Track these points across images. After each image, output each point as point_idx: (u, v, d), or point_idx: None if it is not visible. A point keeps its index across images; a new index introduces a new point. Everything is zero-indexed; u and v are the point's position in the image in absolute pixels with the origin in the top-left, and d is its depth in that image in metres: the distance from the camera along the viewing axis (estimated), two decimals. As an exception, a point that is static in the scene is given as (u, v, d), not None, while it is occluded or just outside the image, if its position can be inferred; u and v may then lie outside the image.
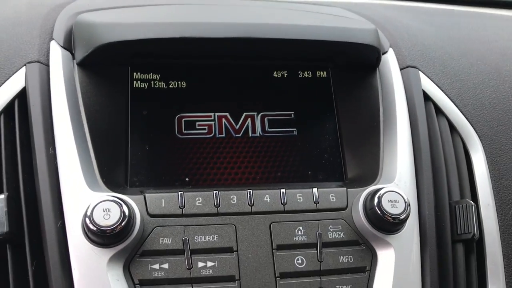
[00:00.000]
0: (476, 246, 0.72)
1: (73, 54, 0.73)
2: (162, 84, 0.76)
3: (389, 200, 0.62)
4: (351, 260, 0.63)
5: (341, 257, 0.63)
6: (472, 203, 0.71)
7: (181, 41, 0.65)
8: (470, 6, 1.40)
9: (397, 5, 1.32)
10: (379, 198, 0.62)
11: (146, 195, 0.62)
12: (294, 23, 0.70)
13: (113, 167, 0.68)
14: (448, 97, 0.82)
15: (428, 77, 0.84)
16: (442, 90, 0.83)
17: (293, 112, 0.79)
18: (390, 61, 0.82)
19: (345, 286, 0.61)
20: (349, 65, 0.81)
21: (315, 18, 0.76)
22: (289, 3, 1.03)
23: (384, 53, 0.82)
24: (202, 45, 0.68)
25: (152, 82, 0.76)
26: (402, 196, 0.63)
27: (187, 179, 0.73)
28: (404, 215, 0.62)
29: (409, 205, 0.63)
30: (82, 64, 0.72)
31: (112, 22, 0.67)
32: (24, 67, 0.70)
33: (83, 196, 0.60)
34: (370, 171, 0.72)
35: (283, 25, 0.69)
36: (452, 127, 0.80)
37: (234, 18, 0.71)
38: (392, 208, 0.62)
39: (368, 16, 0.99)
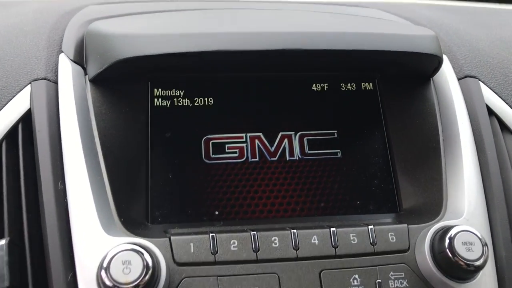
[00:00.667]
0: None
1: (85, 69, 0.63)
2: (186, 102, 0.66)
3: (463, 242, 0.52)
4: (418, 314, 0.52)
5: (406, 311, 0.52)
6: (554, 239, 0.60)
7: (212, 54, 0.55)
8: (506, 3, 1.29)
9: (435, 4, 1.21)
10: (451, 240, 0.52)
11: (172, 238, 0.52)
12: (341, 31, 0.59)
13: (132, 202, 0.59)
14: (512, 109, 0.71)
15: (489, 87, 0.73)
16: (507, 103, 0.72)
17: (336, 131, 0.69)
18: (446, 71, 0.71)
19: None
20: (399, 76, 0.70)
21: (362, 24, 0.65)
22: (320, 5, 0.93)
23: (440, 61, 0.71)
24: (234, 58, 0.58)
25: (176, 99, 0.66)
26: (479, 237, 0.52)
27: (216, 212, 0.63)
28: (481, 261, 0.51)
29: (487, 247, 0.52)
30: (95, 81, 0.62)
31: (131, 33, 0.57)
32: (29, 85, 0.61)
33: (98, 242, 0.50)
34: (431, 202, 0.61)
35: (329, 34, 0.58)
36: (520, 146, 0.69)
37: (269, 27, 0.61)
38: (468, 252, 0.51)
39: (411, 18, 0.88)
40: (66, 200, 0.53)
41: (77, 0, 0.84)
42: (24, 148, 0.57)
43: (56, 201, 0.53)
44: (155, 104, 0.65)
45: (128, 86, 0.63)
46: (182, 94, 0.66)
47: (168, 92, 0.66)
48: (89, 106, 0.60)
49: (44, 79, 0.61)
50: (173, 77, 0.66)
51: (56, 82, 0.61)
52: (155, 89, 0.66)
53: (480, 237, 0.52)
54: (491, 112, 0.71)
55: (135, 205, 0.59)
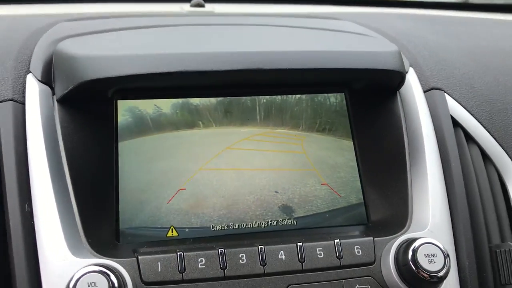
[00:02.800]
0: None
1: (53, 89, 0.63)
2: (154, 117, 0.67)
3: (425, 255, 0.53)
4: (384, 326, 0.53)
5: (372, 323, 0.53)
6: (516, 247, 0.62)
7: (177, 75, 0.55)
8: (484, 12, 1.32)
9: (406, 14, 1.24)
10: (414, 252, 0.53)
11: (140, 257, 0.53)
12: (307, 50, 0.60)
13: (101, 220, 0.59)
14: (479, 122, 0.73)
15: (455, 99, 0.74)
16: (472, 114, 0.74)
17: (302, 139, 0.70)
18: (412, 83, 0.73)
19: None
20: (366, 89, 0.71)
21: (329, 40, 0.67)
22: (292, 17, 0.94)
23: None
24: (202, 78, 0.59)
25: (143, 118, 0.66)
26: (441, 249, 0.54)
27: (187, 229, 0.64)
28: (443, 272, 0.53)
29: (449, 258, 0.53)
30: (63, 101, 0.62)
31: (95, 55, 0.58)
32: (-4, 106, 0.61)
33: (64, 264, 0.50)
34: (398, 214, 0.63)
35: (295, 53, 0.59)
36: (485, 156, 0.71)
37: (236, 45, 0.62)
38: (430, 264, 0.53)
39: (380, 30, 0.90)
40: (33, 222, 0.53)
41: (48, 17, 0.84)
42: None
43: (23, 223, 0.53)
44: (122, 122, 0.65)
45: (95, 106, 0.63)
46: (150, 112, 0.67)
47: (135, 110, 0.66)
48: (56, 126, 0.60)
49: (11, 100, 0.61)
50: (140, 96, 0.66)
51: (23, 103, 0.61)
52: (123, 108, 0.66)
53: (442, 248, 0.54)
54: (456, 123, 0.72)
55: (104, 225, 0.59)
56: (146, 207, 0.63)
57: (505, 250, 0.62)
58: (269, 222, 0.65)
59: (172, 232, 0.63)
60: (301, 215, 0.66)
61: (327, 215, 0.67)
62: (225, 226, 0.63)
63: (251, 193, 0.66)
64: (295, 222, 0.66)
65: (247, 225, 0.64)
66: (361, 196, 0.68)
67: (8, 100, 0.61)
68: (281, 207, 0.66)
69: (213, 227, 0.63)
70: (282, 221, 0.65)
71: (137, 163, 0.65)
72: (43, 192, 0.54)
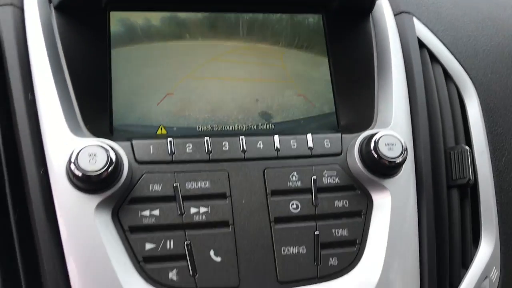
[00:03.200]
0: (470, 192, 0.71)
1: None
2: (146, 26, 0.72)
3: (386, 144, 0.61)
4: (346, 204, 0.61)
5: (336, 201, 0.61)
6: (467, 148, 0.70)
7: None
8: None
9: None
10: (376, 142, 0.61)
11: (134, 141, 0.59)
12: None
13: (97, 115, 0.65)
14: (443, 44, 0.80)
15: (422, 23, 0.81)
16: (437, 37, 0.81)
17: (282, 61, 0.76)
18: (383, 7, 0.79)
19: (340, 229, 0.60)
20: (342, 11, 0.77)
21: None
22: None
23: (377, -2, 0.79)
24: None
25: (134, 26, 0.72)
26: (399, 140, 0.61)
27: (175, 128, 0.70)
28: (401, 158, 0.60)
29: (406, 148, 0.61)
30: (59, 8, 0.67)
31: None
32: (-4, 10, 0.65)
33: (66, 142, 0.57)
34: (364, 118, 0.70)
35: None
36: (447, 75, 0.79)
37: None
38: (389, 151, 0.60)
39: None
40: (36, 108, 0.59)
41: None
42: None
43: (27, 109, 0.58)
44: (113, 30, 0.70)
45: (90, 15, 0.68)
46: (140, 23, 0.72)
47: (127, 17, 0.71)
48: (54, 31, 0.65)
49: (11, 4, 0.66)
50: (131, 8, 0.71)
51: (22, 8, 0.66)
52: (115, 19, 0.71)
53: (400, 139, 0.61)
54: (422, 44, 0.79)
55: (100, 119, 0.65)
56: (137, 107, 0.69)
57: (458, 150, 0.70)
58: (250, 126, 0.71)
59: (161, 130, 0.69)
60: (278, 121, 0.73)
61: (302, 122, 0.74)
62: (210, 127, 0.70)
63: (233, 100, 0.73)
64: (272, 127, 0.72)
65: (229, 128, 0.70)
66: (333, 106, 0.75)
67: (8, 5, 0.66)
68: (260, 114, 0.73)
69: (198, 127, 0.70)
70: (261, 125, 0.72)
71: (128, 69, 0.70)
72: (44, 83, 0.60)
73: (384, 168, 0.61)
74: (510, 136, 0.77)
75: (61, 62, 0.64)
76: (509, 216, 0.72)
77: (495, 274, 0.68)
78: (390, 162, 0.60)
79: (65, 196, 0.54)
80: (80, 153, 0.53)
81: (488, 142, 0.75)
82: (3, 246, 0.55)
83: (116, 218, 0.56)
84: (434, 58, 0.79)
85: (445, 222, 0.66)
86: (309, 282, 0.57)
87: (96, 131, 0.61)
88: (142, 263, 0.54)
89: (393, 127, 0.65)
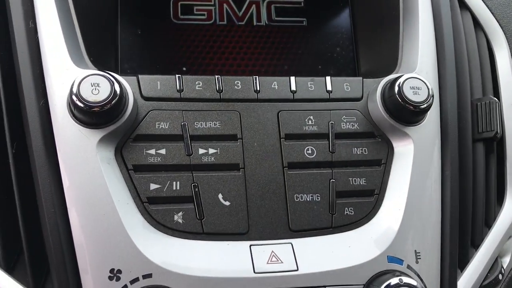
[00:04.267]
0: (496, 148, 0.67)
1: None
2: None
3: (411, 87, 0.56)
4: (365, 152, 0.57)
5: (355, 149, 0.57)
6: (496, 99, 0.65)
7: None
8: None
9: None
10: (400, 85, 0.56)
11: (140, 76, 0.55)
12: None
13: (102, 50, 0.61)
14: (474, -10, 0.74)
15: (452, -34, 0.75)
16: (468, -15, 0.74)
17: (303, 0, 0.71)
18: None
19: (358, 178, 0.56)
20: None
21: None
22: None
23: None
24: None
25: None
26: (425, 83, 0.56)
27: (184, 68, 0.66)
28: (426, 104, 0.56)
29: (433, 94, 0.56)
30: None
31: None
32: None
33: (68, 72, 0.52)
34: (387, 62, 0.65)
35: None
36: (477, 23, 0.73)
37: None
38: (415, 95, 0.56)
39: None
40: (37, 37, 0.55)
41: None
42: None
43: (27, 36, 0.54)
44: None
45: None
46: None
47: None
48: None
49: None
50: None
51: None
52: None
53: (427, 82, 0.56)
54: (453, -8, 0.73)
55: (105, 54, 0.61)
56: (146, 44, 0.65)
57: (485, 102, 0.65)
58: (265, 69, 0.67)
59: (170, 70, 0.65)
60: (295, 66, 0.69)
61: (320, 67, 0.69)
62: (223, 71, 0.65)
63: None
64: (289, 72, 0.68)
65: (244, 71, 0.66)
66: (353, 51, 0.70)
67: None
68: (277, 58, 0.69)
69: (212, 70, 0.65)
70: (277, 69, 0.68)
71: (138, 3, 0.66)
72: (46, 11, 0.55)
73: (408, 114, 0.57)
74: (541, 90, 0.72)
75: None
76: (536, 174, 0.68)
77: (519, 233, 0.64)
78: (415, 107, 0.56)
79: (65, 129, 0.51)
80: (82, 82, 0.49)
81: (518, 95, 0.70)
82: (0, 183, 0.52)
83: (120, 156, 0.52)
84: (463, 4, 0.74)
85: (469, 177, 0.62)
86: (323, 232, 0.54)
87: (101, 64, 0.57)
88: (146, 204, 0.51)
89: (418, 72, 0.61)
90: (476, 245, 0.61)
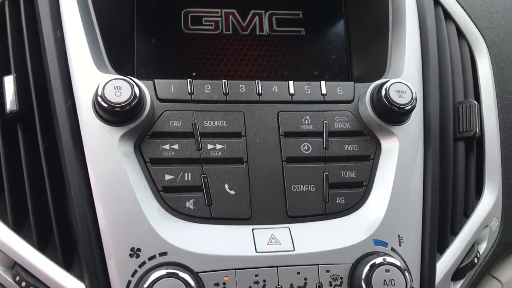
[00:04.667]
0: (476, 147, 0.74)
1: None
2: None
3: (396, 91, 0.63)
4: (355, 149, 0.64)
5: (346, 145, 0.64)
6: (476, 102, 0.72)
7: None
8: None
9: None
10: (387, 89, 0.63)
11: (156, 80, 0.62)
12: None
13: (121, 57, 0.68)
14: (458, 3, 0.81)
15: (437, -19, 0.82)
16: (452, -5, 0.81)
17: (301, 12, 0.78)
18: (400, -37, 0.80)
19: (349, 171, 0.63)
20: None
21: None
22: None
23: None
24: None
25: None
26: (409, 87, 0.63)
27: (194, 73, 0.73)
28: (410, 106, 0.63)
29: (416, 97, 0.63)
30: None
31: None
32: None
33: (93, 77, 0.60)
34: (377, 70, 0.72)
35: None
36: (460, 33, 0.80)
37: None
38: (399, 98, 0.63)
39: None
40: (64, 45, 0.62)
41: None
42: (25, 6, 0.65)
43: (56, 45, 0.62)
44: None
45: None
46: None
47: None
48: None
49: None
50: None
51: None
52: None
53: (410, 86, 0.63)
54: (437, 2, 0.80)
55: (123, 61, 0.68)
56: (159, 52, 0.72)
57: (466, 105, 0.72)
58: (266, 75, 0.74)
59: (181, 75, 0.72)
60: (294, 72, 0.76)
61: (316, 73, 0.76)
62: (229, 76, 0.73)
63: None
64: (288, 77, 0.75)
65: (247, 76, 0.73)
66: (347, 59, 0.77)
67: None
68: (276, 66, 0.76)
69: (218, 75, 0.72)
70: (278, 75, 0.75)
71: (152, 15, 0.73)
72: (72, 22, 0.63)
73: (394, 115, 0.64)
74: (519, 94, 0.79)
75: (88, 5, 0.66)
76: (513, 170, 0.75)
77: (495, 223, 0.71)
78: (400, 108, 0.63)
79: (90, 126, 0.58)
80: (106, 85, 0.56)
81: (497, 99, 0.77)
82: (33, 175, 0.59)
83: (138, 150, 0.59)
84: (448, 16, 0.81)
85: (449, 172, 0.69)
86: (317, 219, 0.61)
87: (120, 71, 0.64)
88: (162, 192, 0.58)
89: (404, 78, 0.68)
90: (455, 233, 0.68)
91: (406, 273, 0.56)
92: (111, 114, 0.57)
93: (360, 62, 0.76)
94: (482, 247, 0.69)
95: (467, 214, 0.70)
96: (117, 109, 0.56)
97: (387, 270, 0.55)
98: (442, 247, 0.66)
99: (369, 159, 0.64)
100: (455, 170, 0.70)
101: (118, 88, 0.57)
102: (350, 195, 0.62)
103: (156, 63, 0.72)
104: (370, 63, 0.75)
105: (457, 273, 0.65)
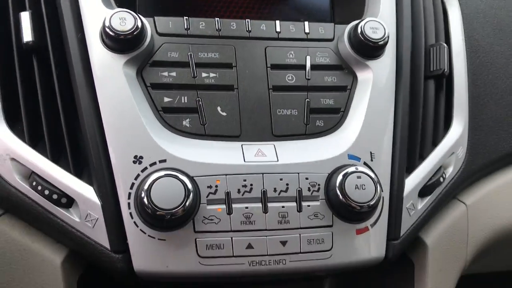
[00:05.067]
0: (446, 86, 0.82)
1: None
2: None
3: (370, 27, 0.71)
4: (334, 80, 0.72)
5: (326, 77, 0.72)
6: (445, 45, 0.79)
7: None
8: None
9: None
10: (362, 27, 0.71)
11: (155, 18, 0.70)
12: None
13: (124, -1, 0.75)
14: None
15: None
16: None
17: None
18: None
19: (328, 99, 0.71)
20: None
21: None
22: None
23: None
24: None
25: None
26: (382, 24, 0.71)
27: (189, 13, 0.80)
28: (383, 41, 0.70)
29: (388, 33, 0.71)
30: None
31: None
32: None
33: (100, 12, 0.67)
34: (356, 12, 0.79)
35: None
36: (432, -16, 0.87)
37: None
38: (373, 33, 0.70)
39: None
40: None
41: None
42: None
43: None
44: None
45: None
46: None
47: None
48: None
49: None
50: None
51: None
52: None
53: (383, 24, 0.71)
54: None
55: (126, 3, 0.76)
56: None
57: (437, 47, 0.79)
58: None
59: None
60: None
61: (301, 19, 0.84)
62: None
63: None
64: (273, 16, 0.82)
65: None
66: (329, 3, 0.84)
67: None
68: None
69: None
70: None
71: None
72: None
73: (368, 49, 0.71)
74: (485, 42, 0.87)
75: None
76: (479, 107, 0.82)
77: (461, 151, 0.79)
78: (374, 43, 0.70)
79: (98, 54, 0.65)
80: (113, 16, 0.64)
81: (466, 45, 0.84)
82: (47, 97, 0.67)
83: (140, 77, 0.67)
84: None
85: (419, 104, 0.77)
86: (299, 138, 0.69)
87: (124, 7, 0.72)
88: (161, 112, 0.66)
89: (379, 21, 0.75)
90: (424, 158, 0.76)
91: (377, 183, 0.64)
92: (116, 41, 0.64)
93: (341, 7, 0.83)
94: (449, 171, 0.77)
95: (435, 143, 0.78)
96: (122, 37, 0.63)
97: (359, 177, 0.63)
98: (410, 169, 0.74)
99: (346, 89, 0.72)
100: (425, 104, 0.78)
101: (123, 19, 0.64)
102: (329, 119, 0.70)
103: (155, 3, 0.79)
104: (350, 7, 0.82)
105: (424, 190, 0.73)
